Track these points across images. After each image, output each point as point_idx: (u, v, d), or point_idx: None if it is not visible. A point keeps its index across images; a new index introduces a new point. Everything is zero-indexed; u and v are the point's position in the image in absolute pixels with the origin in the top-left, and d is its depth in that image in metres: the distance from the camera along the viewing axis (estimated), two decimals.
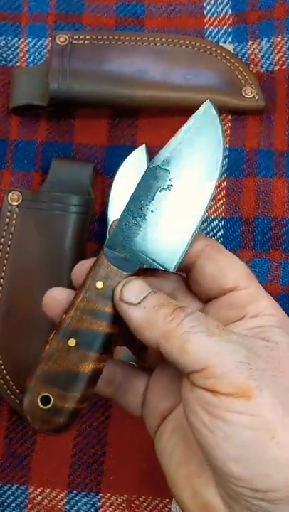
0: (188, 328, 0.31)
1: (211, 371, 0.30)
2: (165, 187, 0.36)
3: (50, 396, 0.33)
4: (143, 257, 0.35)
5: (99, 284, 0.34)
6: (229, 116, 0.53)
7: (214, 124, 0.37)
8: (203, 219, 0.36)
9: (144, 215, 0.36)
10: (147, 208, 0.36)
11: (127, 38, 0.54)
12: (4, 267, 0.49)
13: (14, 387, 0.47)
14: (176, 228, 0.36)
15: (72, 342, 0.34)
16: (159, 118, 0.53)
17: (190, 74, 0.53)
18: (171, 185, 0.36)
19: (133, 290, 0.33)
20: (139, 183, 0.36)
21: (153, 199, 0.36)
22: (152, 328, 0.32)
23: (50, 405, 0.33)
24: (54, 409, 0.33)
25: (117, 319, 0.34)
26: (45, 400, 0.33)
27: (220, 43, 0.55)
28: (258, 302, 0.34)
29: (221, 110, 0.53)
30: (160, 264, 0.35)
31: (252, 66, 0.54)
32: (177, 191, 0.36)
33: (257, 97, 0.53)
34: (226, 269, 0.35)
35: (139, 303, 0.33)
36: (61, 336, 0.34)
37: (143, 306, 0.32)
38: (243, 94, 0.53)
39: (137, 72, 0.52)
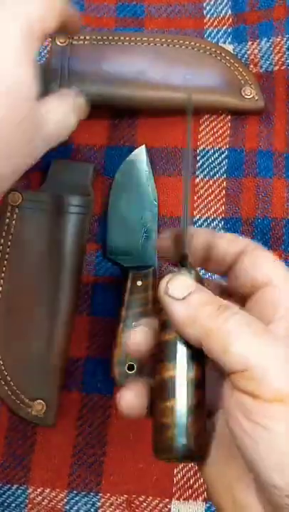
0: (233, 326, 0.30)
1: (253, 373, 0.29)
2: None
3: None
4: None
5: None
6: (229, 117, 0.53)
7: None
8: None
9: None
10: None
11: (127, 39, 0.54)
12: (4, 268, 0.49)
13: (15, 387, 0.47)
14: None
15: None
16: (158, 118, 0.53)
17: (190, 74, 0.53)
18: None
19: (179, 285, 0.32)
20: None
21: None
22: (195, 324, 0.31)
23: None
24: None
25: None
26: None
27: (219, 44, 0.55)
28: None
29: (221, 110, 0.53)
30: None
31: (251, 66, 0.54)
32: None
33: (256, 98, 0.53)
34: (261, 262, 0.34)
35: (183, 298, 0.32)
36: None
37: (187, 302, 0.32)
38: (243, 94, 0.53)
39: (137, 72, 0.52)
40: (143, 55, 0.53)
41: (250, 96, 0.53)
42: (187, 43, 0.54)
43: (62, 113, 0.44)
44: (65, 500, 0.47)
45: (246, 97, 0.53)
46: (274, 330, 0.32)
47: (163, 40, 0.54)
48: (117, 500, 0.47)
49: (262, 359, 0.29)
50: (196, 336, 0.31)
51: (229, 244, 0.36)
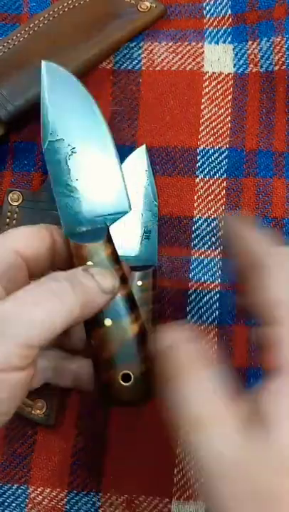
0: None
1: None
2: (70, 153, 0.38)
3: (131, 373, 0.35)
4: (100, 219, 0.37)
5: (90, 264, 0.36)
6: (229, 117, 0.53)
7: (64, 74, 0.39)
8: (116, 150, 0.39)
9: (75, 187, 0.38)
10: (71, 180, 0.38)
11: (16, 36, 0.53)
12: None
13: None
14: (105, 176, 0.38)
15: (108, 322, 0.35)
16: (159, 118, 0.53)
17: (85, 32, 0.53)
18: (74, 148, 0.38)
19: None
20: (48, 168, 0.38)
21: (69, 169, 0.38)
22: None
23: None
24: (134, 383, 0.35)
25: (122, 279, 0.36)
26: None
27: (219, 43, 0.55)
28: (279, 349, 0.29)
29: (126, 38, 0.54)
30: (118, 213, 0.38)
31: (251, 66, 0.54)
32: (82, 148, 0.38)
33: (155, 5, 0.54)
34: (268, 288, 0.31)
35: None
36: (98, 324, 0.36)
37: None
38: (141, 10, 0.54)
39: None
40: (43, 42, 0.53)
41: (147, 8, 0.54)
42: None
43: None
44: (66, 499, 0.47)
45: (143, 11, 0.54)
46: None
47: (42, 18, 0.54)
48: (117, 499, 0.47)
49: None
50: None
51: (256, 244, 0.34)
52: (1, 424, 0.34)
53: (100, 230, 0.37)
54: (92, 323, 0.36)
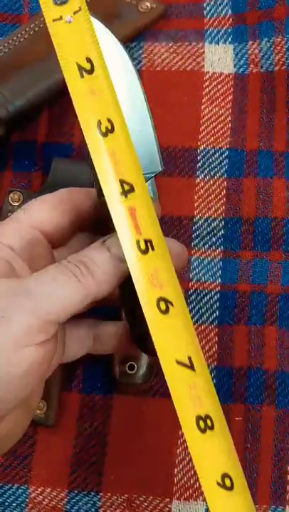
0: None
1: None
2: None
3: None
4: None
5: None
6: (229, 117, 0.53)
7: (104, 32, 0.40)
8: (149, 108, 0.39)
9: None
10: None
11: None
12: None
13: None
14: (137, 135, 0.37)
15: None
16: (159, 118, 0.53)
17: None
18: None
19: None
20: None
21: None
22: None
23: None
24: None
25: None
26: None
27: (220, 44, 0.55)
28: None
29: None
30: (151, 172, 0.37)
31: (252, 66, 0.54)
32: None
33: (155, 5, 0.54)
34: None
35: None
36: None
37: None
38: (141, 10, 0.54)
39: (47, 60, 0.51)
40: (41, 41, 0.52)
41: (147, 8, 0.54)
42: None
43: None
44: (66, 499, 0.47)
45: (144, 11, 0.54)
46: None
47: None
48: (117, 500, 0.47)
49: None
50: None
51: None
52: (16, 404, 0.33)
53: None
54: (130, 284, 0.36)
